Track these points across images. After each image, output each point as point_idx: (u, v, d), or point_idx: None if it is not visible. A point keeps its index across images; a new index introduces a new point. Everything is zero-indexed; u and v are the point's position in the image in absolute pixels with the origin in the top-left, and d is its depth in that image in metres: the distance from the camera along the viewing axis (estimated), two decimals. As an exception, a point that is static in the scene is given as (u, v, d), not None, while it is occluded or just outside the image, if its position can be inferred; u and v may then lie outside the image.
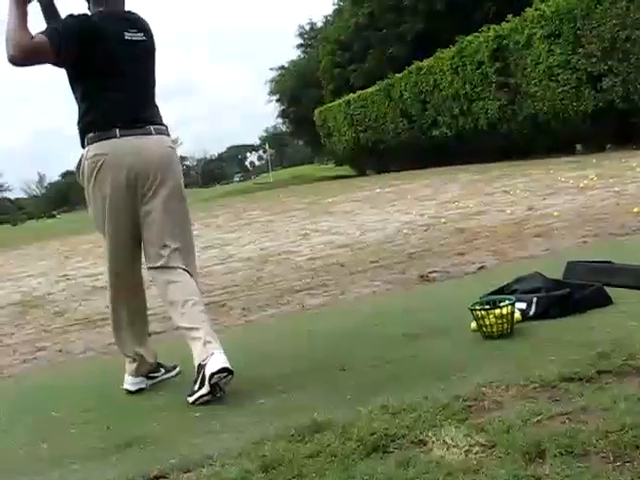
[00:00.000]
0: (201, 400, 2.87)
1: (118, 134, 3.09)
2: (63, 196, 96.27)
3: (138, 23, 3.24)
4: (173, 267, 3.14)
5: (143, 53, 3.25)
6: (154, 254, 3.17)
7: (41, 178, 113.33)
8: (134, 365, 3.31)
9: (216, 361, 2.85)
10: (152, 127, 3.18)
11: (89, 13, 3.22)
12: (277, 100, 45.78)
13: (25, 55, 2.95)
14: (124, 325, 3.32)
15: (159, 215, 3.15)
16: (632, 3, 13.18)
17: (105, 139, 3.09)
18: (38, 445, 2.73)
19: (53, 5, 3.28)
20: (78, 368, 4.23)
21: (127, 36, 3.15)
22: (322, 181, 31.87)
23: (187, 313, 3.04)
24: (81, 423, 2.93)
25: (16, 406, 3.54)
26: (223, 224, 14.49)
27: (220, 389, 2.89)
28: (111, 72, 3.12)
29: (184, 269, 3.16)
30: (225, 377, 2.87)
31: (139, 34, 3.20)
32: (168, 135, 3.29)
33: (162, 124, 3.27)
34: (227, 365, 2.86)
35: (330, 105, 31.27)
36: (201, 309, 3.09)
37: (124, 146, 3.09)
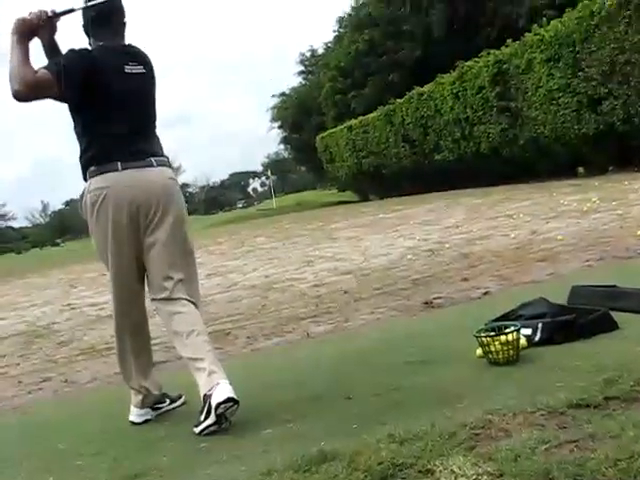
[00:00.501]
0: (207, 430, 2.86)
1: (120, 167, 3.11)
2: (67, 224, 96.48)
3: (138, 56, 3.28)
4: (177, 298, 3.15)
5: (143, 85, 3.28)
6: (158, 285, 3.18)
7: (44, 206, 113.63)
8: (139, 397, 3.31)
9: (222, 391, 2.85)
10: (153, 159, 3.20)
11: (90, 47, 3.26)
12: (279, 127, 46.04)
13: (29, 90, 2.99)
14: (129, 356, 3.32)
15: (162, 247, 3.16)
16: (630, 27, 13.28)
17: (107, 172, 3.11)
18: (44, 478, 2.71)
19: (54, 41, 3.32)
20: (84, 398, 4.23)
21: (127, 69, 3.19)
22: (325, 207, 31.93)
23: (191, 344, 3.04)
24: (87, 455, 2.92)
25: (22, 438, 3.53)
26: (227, 251, 14.51)
27: (226, 419, 2.88)
28: (112, 105, 3.15)
29: (188, 300, 3.17)
30: (231, 407, 2.86)
31: (139, 67, 3.24)
32: (169, 166, 3.31)
33: (163, 155, 3.29)
34: (232, 395, 2.85)
35: (332, 131, 31.44)
36: (205, 339, 3.09)
37: (126, 179, 3.11)
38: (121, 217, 3.11)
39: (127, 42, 3.32)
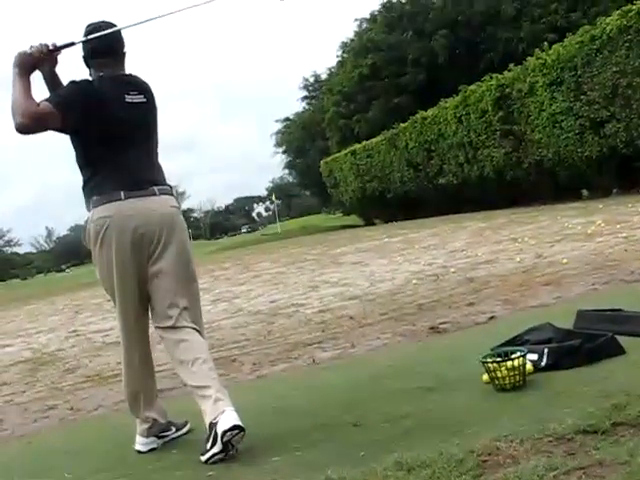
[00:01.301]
0: (214, 459, 2.86)
1: (123, 196, 3.13)
2: (72, 250, 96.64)
3: (138, 85, 3.32)
4: (182, 327, 3.16)
5: (144, 115, 3.30)
6: (162, 314, 3.19)
7: (49, 232, 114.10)
8: (145, 426, 3.30)
9: (227, 419, 2.84)
10: (156, 188, 3.21)
11: (90, 78, 3.30)
12: (283, 152, 46.28)
13: (31, 122, 3.03)
14: (138, 387, 3.32)
15: (166, 275, 3.17)
16: (631, 51, 13.38)
17: (110, 202, 3.13)
18: (51, 508, 2.71)
19: (55, 73, 3.37)
20: (90, 427, 4.22)
21: (128, 99, 3.22)
22: (330, 231, 31.98)
23: (197, 372, 3.04)
24: (94, 484, 2.92)
25: (28, 467, 3.51)
26: (232, 276, 14.51)
27: (232, 447, 2.87)
28: (114, 135, 3.18)
29: (193, 327, 3.18)
30: (237, 434, 2.85)
31: (139, 96, 3.26)
32: (172, 195, 3.33)
33: (165, 184, 3.31)
34: (238, 422, 2.85)
35: (336, 156, 31.59)
36: (210, 366, 3.08)
37: (129, 208, 3.13)
38: (125, 246, 3.13)
39: (128, 72, 3.36)
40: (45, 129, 3.10)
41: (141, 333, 3.31)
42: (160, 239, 3.16)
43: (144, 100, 3.28)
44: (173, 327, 3.16)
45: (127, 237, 3.12)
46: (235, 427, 2.84)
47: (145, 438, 3.30)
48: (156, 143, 3.38)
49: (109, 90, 3.21)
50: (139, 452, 3.29)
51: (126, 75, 3.33)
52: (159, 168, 3.36)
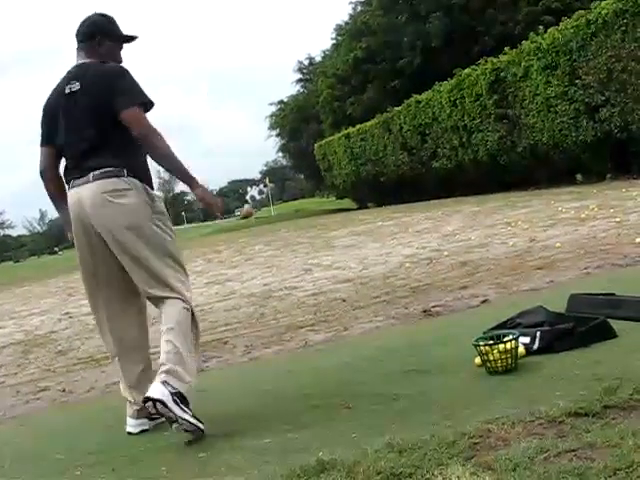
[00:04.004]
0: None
1: (70, 186, 3.25)
2: (64, 232, 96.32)
3: (78, 73, 3.27)
4: (158, 301, 3.20)
5: (79, 102, 3.21)
6: (143, 292, 3.26)
7: (42, 215, 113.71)
8: (136, 407, 3.29)
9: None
10: (92, 174, 3.15)
11: None
12: (277, 135, 46.09)
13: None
14: (125, 367, 3.35)
15: (127, 266, 3.19)
16: (627, 35, 13.33)
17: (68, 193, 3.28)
18: (42, 489, 2.71)
19: None
20: (82, 408, 4.22)
21: (67, 89, 3.25)
22: (323, 214, 31.95)
23: (161, 342, 3.11)
24: (86, 466, 2.91)
25: (20, 449, 3.51)
26: (225, 259, 14.50)
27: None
28: (63, 129, 3.25)
29: (166, 297, 3.17)
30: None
31: (76, 84, 3.23)
32: (115, 177, 3.14)
33: (109, 166, 3.15)
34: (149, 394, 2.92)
35: (330, 139, 31.49)
36: (167, 338, 3.06)
37: (72, 198, 3.23)
38: (77, 235, 3.25)
39: (85, 60, 3.31)
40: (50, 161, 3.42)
41: (118, 321, 3.34)
42: (96, 228, 3.15)
43: (78, 87, 3.22)
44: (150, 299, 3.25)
45: (76, 227, 3.23)
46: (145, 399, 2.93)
47: (135, 420, 3.30)
48: (100, 128, 3.17)
49: (57, 87, 3.32)
50: (130, 434, 3.29)
51: (76, 65, 3.31)
52: (116, 152, 3.18)
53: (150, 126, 3.15)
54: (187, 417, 2.90)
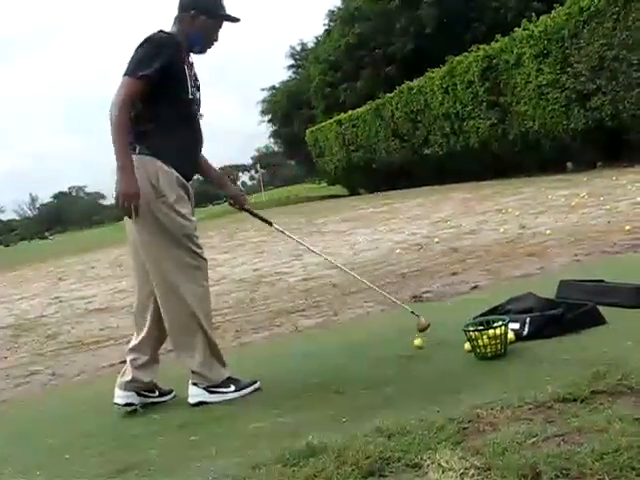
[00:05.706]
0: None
1: None
2: (55, 217, 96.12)
3: None
4: None
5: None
6: None
7: (33, 200, 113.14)
8: (125, 379, 3.31)
9: None
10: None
11: None
12: (269, 120, 45.97)
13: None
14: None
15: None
16: (618, 23, 13.33)
17: None
18: (33, 473, 2.70)
19: None
20: (72, 392, 4.21)
21: None
22: (315, 201, 31.88)
23: None
24: (76, 449, 2.91)
25: (10, 433, 3.52)
26: (217, 244, 14.47)
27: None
28: None
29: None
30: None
31: None
32: (140, 153, 3.19)
33: (130, 142, 3.17)
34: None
35: (321, 125, 31.40)
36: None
37: None
38: None
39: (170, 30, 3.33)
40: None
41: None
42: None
43: None
44: None
45: None
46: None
47: (123, 391, 3.31)
48: (140, 100, 3.18)
49: None
50: (116, 404, 3.31)
51: None
52: (137, 126, 3.18)
53: (119, 96, 3.12)
54: (231, 396, 3.23)
